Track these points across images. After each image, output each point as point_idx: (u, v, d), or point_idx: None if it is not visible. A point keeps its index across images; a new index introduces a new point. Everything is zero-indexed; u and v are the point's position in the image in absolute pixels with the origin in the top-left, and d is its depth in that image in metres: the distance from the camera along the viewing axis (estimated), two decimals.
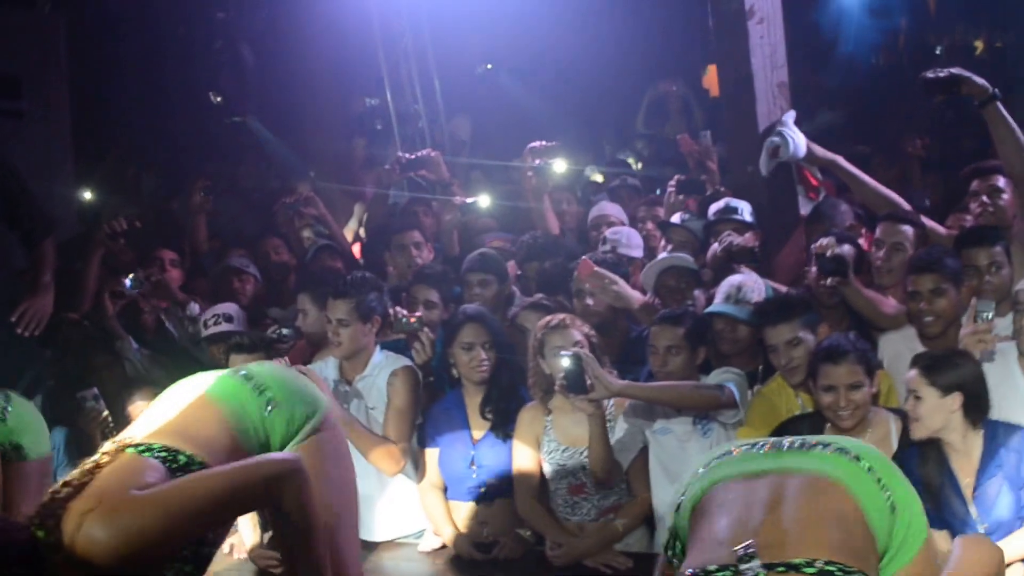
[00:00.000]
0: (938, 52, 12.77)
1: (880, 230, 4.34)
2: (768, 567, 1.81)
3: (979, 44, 13.04)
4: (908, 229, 4.28)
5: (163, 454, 2.34)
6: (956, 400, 3.27)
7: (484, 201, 5.55)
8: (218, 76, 7.99)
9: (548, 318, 3.94)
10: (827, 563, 1.81)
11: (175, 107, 8.34)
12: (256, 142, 8.09)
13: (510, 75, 8.32)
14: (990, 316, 3.40)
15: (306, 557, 2.37)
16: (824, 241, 4.03)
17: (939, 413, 3.27)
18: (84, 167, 7.48)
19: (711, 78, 9.10)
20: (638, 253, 5.08)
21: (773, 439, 2.23)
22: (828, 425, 3.52)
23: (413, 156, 5.86)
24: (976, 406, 3.31)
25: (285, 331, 4.64)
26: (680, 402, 3.82)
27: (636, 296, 4.45)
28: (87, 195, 7.57)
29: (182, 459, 2.34)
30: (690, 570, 1.89)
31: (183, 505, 2.18)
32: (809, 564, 1.81)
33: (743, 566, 1.81)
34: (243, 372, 2.72)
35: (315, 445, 2.57)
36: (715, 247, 4.43)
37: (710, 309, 4.10)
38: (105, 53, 8.01)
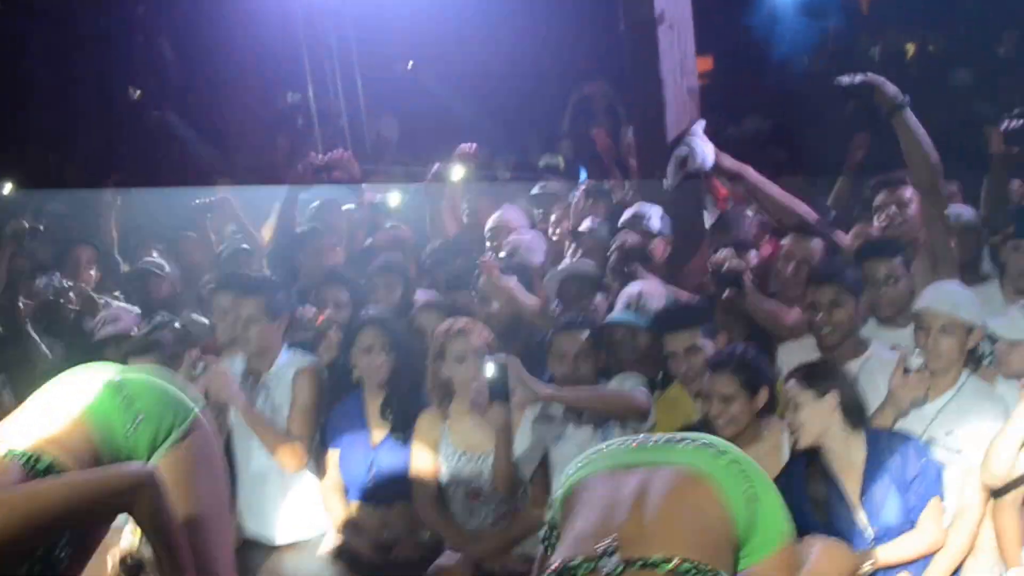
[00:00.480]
0: (871, 55, 12.94)
1: (786, 243, 4.38)
2: (627, 563, 1.83)
3: (911, 48, 13.26)
4: (813, 242, 4.32)
5: (26, 456, 2.33)
6: (832, 400, 3.32)
7: (393, 200, 5.52)
8: (137, 70, 7.87)
9: (448, 323, 3.94)
10: (684, 561, 1.84)
11: (94, 100, 8.18)
12: (175, 137, 7.97)
13: (433, 74, 8.28)
14: (917, 365, 3.42)
15: (168, 564, 2.36)
16: (720, 254, 4.08)
17: (818, 416, 3.32)
18: (3, 158, 7.33)
19: None
20: (539, 259, 5.06)
21: (643, 436, 2.27)
22: None
23: (324, 157, 5.83)
24: (853, 407, 3.37)
25: (177, 324, 4.57)
26: (605, 407, 3.81)
27: (531, 301, 4.47)
28: (7, 187, 7.40)
29: (43, 464, 2.33)
30: (554, 564, 1.91)
31: (28, 508, 2.16)
32: (666, 561, 1.83)
33: (603, 561, 1.84)
34: (118, 380, 2.69)
35: (183, 451, 2.56)
36: (615, 255, 4.48)
37: (610, 318, 4.12)
38: (24, 46, 7.84)
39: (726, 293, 4.03)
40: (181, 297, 5.63)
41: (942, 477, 3.39)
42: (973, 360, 3.67)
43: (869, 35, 13.89)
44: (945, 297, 3.57)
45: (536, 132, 8.78)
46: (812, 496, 3.33)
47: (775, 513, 2.09)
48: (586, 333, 3.90)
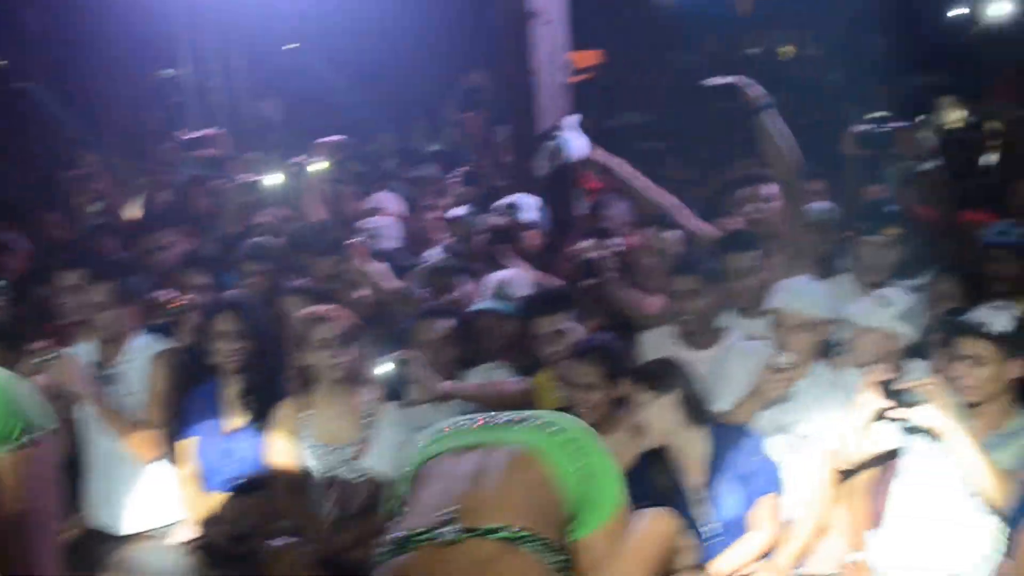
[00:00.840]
0: (752, 53, 13.28)
1: (649, 235, 4.46)
2: (465, 531, 1.94)
3: (791, 50, 13.66)
4: (672, 234, 4.42)
5: None
6: (674, 398, 3.39)
7: (270, 180, 5.38)
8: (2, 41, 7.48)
9: (310, 310, 3.85)
10: (518, 530, 1.96)
11: None
12: (40, 110, 7.62)
13: (316, 57, 8.13)
14: (785, 363, 3.50)
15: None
16: (582, 244, 4.12)
17: (660, 415, 3.38)
18: None
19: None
20: (395, 245, 5.03)
21: (487, 415, 2.37)
22: None
23: (196, 135, 5.67)
24: (695, 405, 3.44)
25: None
26: (502, 401, 3.76)
27: (395, 287, 4.44)
28: None
29: None
30: (395, 533, 2.02)
31: None
32: (500, 529, 1.96)
33: (441, 529, 1.94)
34: None
35: (21, 460, 2.46)
36: (487, 237, 4.48)
37: (476, 306, 4.10)
38: None
39: (587, 282, 4.06)
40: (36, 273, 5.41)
41: (777, 473, 3.49)
42: (824, 350, 3.78)
43: (751, 35, 14.29)
44: (797, 296, 3.67)
45: (423, 119, 8.73)
46: (660, 489, 3.37)
47: (610, 488, 2.22)
48: (450, 321, 3.87)
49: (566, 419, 2.34)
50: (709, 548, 3.42)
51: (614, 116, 7.31)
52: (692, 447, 3.42)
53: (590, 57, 12.96)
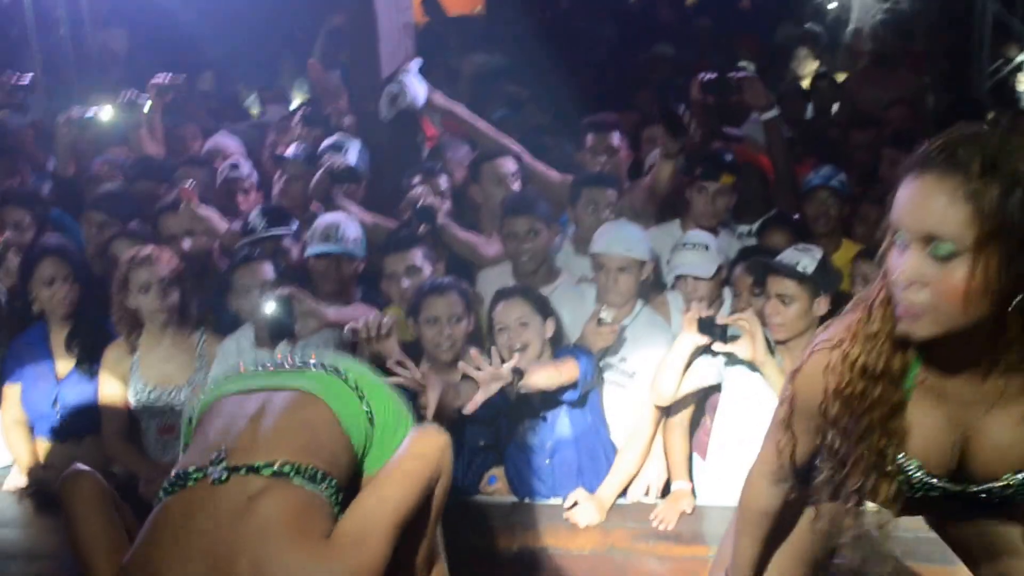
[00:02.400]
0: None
1: (484, 171, 4.45)
2: (233, 469, 1.97)
3: None
4: (508, 166, 4.43)
5: None
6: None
7: (105, 115, 5.13)
8: None
9: (133, 251, 3.71)
10: (285, 463, 1.99)
11: None
12: None
13: None
14: (609, 319, 3.52)
15: None
16: (417, 191, 4.09)
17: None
18: None
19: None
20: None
21: (279, 359, 2.44)
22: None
23: (16, 79, 5.37)
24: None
25: None
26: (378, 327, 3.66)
27: (225, 228, 4.34)
28: None
29: None
30: (173, 472, 2.04)
31: None
32: (269, 465, 1.98)
33: (210, 468, 1.97)
34: None
35: None
36: (317, 176, 4.38)
37: (310, 251, 4.01)
38: None
39: (422, 228, 4.03)
40: None
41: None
42: (646, 290, 3.84)
43: None
44: (618, 239, 3.71)
45: (289, 60, 8.48)
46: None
47: (394, 429, 2.28)
48: (268, 264, 3.77)
49: (354, 365, 2.40)
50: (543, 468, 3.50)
51: (473, 58, 7.17)
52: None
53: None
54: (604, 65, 7.94)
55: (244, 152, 5.21)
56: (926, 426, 1.75)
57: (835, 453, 1.83)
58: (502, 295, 3.57)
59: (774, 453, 2.00)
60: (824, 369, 1.79)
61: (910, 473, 1.78)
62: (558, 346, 3.61)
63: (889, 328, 1.67)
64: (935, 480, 1.79)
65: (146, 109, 5.22)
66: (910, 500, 1.82)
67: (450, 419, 3.42)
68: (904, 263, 1.56)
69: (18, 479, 3.87)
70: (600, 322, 3.50)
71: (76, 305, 3.83)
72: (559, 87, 7.10)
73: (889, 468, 1.76)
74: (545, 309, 3.55)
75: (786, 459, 1.98)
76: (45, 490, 3.76)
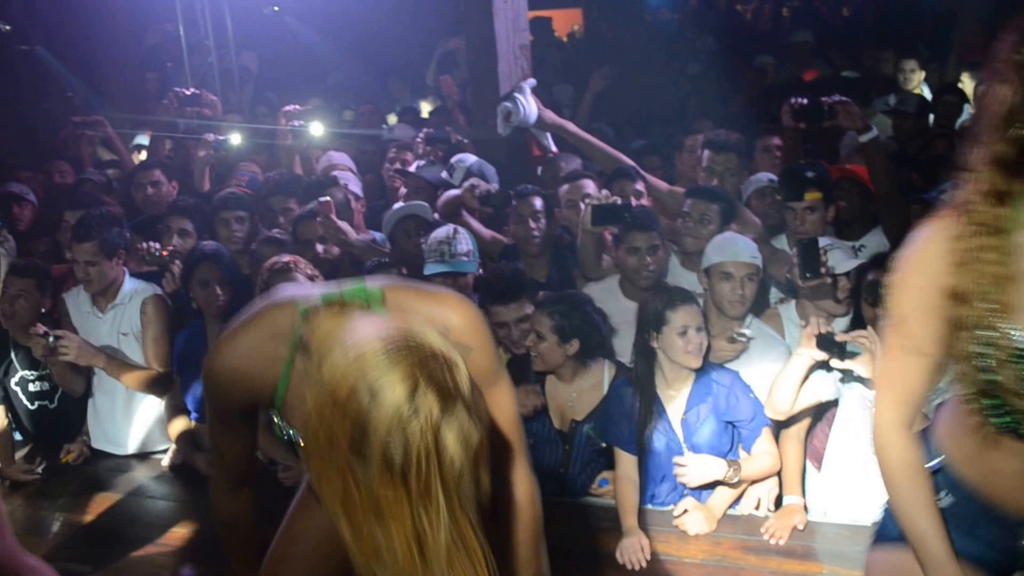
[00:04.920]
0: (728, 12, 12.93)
1: (613, 186, 4.41)
2: None
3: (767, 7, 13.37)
4: (637, 184, 4.41)
5: None
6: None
7: (236, 139, 5.42)
8: (7, 5, 7.44)
9: (273, 259, 3.84)
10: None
11: None
12: (45, 71, 7.61)
13: (297, 18, 8.05)
14: (750, 333, 3.47)
15: None
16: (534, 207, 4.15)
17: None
18: None
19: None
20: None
21: None
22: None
23: (188, 92, 5.68)
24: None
25: None
26: None
27: (361, 238, 4.48)
28: None
29: None
30: None
31: None
32: None
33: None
34: None
35: None
36: (446, 195, 4.47)
37: (427, 271, 4.00)
38: None
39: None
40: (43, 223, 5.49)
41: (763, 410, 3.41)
42: (759, 304, 3.74)
43: None
44: (743, 247, 3.60)
45: (406, 81, 8.66)
46: (638, 415, 3.34)
47: None
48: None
49: None
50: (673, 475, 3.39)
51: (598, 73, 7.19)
52: (679, 380, 3.36)
53: (571, 17, 12.82)
54: (702, 77, 7.89)
55: (354, 168, 5.41)
56: None
57: (959, 337, 1.69)
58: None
59: (894, 383, 1.85)
60: (935, 239, 1.71)
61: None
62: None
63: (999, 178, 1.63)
64: None
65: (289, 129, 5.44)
66: None
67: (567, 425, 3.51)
68: None
69: (173, 457, 4.16)
70: (736, 338, 3.45)
71: (228, 304, 4.03)
72: (660, 101, 7.13)
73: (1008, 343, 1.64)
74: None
75: (912, 381, 1.82)
76: (194, 467, 4.02)
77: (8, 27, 7.49)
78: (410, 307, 1.76)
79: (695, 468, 3.24)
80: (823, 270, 3.47)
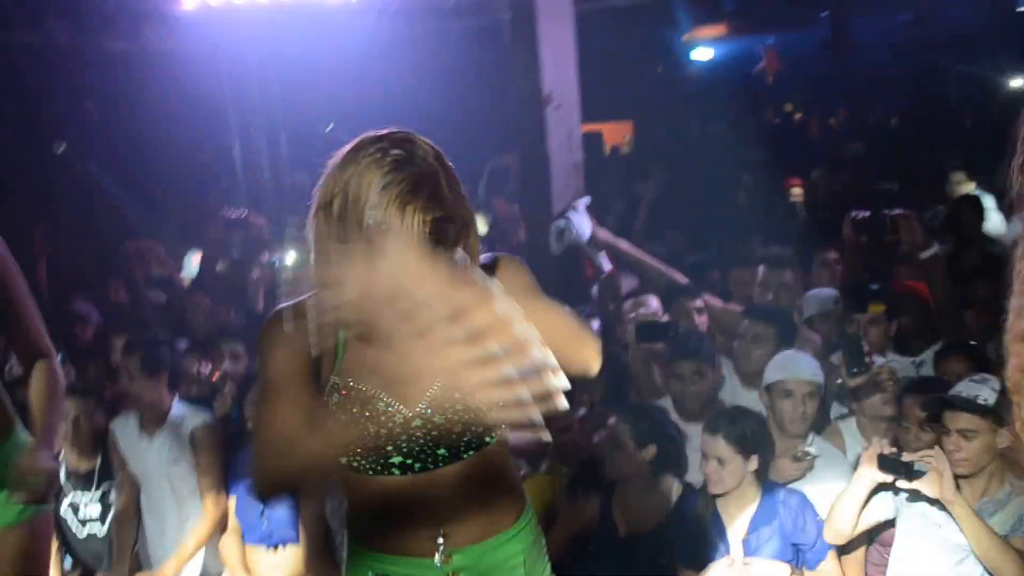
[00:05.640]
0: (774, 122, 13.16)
1: (671, 304, 4.47)
2: None
3: (811, 120, 13.62)
4: (694, 303, 4.45)
5: None
6: (754, 463, 3.33)
7: (290, 259, 5.58)
8: (63, 125, 7.77)
9: None
10: None
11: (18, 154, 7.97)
12: (103, 190, 7.89)
13: (352, 136, 8.29)
14: (815, 451, 3.47)
15: None
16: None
17: (737, 474, 3.32)
18: None
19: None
20: None
21: None
22: None
23: (236, 215, 5.86)
24: (765, 469, 3.38)
25: None
26: None
27: None
28: None
29: None
30: None
31: None
32: None
33: None
34: None
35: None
36: None
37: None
38: None
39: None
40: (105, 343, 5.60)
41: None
42: (819, 422, 3.72)
43: (772, 105, 14.26)
44: (805, 365, 3.61)
45: None
46: (697, 519, 3.34)
47: None
48: None
49: None
50: None
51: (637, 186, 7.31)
52: (744, 499, 3.34)
53: (621, 130, 13.10)
54: (754, 188, 7.96)
55: None
56: None
57: None
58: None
59: None
60: None
61: None
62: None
63: None
64: None
65: None
66: None
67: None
68: None
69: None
70: (801, 457, 3.43)
71: None
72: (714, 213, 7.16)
73: None
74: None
75: None
76: None
77: (64, 145, 7.78)
78: None
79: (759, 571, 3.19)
80: (868, 360, 3.46)
